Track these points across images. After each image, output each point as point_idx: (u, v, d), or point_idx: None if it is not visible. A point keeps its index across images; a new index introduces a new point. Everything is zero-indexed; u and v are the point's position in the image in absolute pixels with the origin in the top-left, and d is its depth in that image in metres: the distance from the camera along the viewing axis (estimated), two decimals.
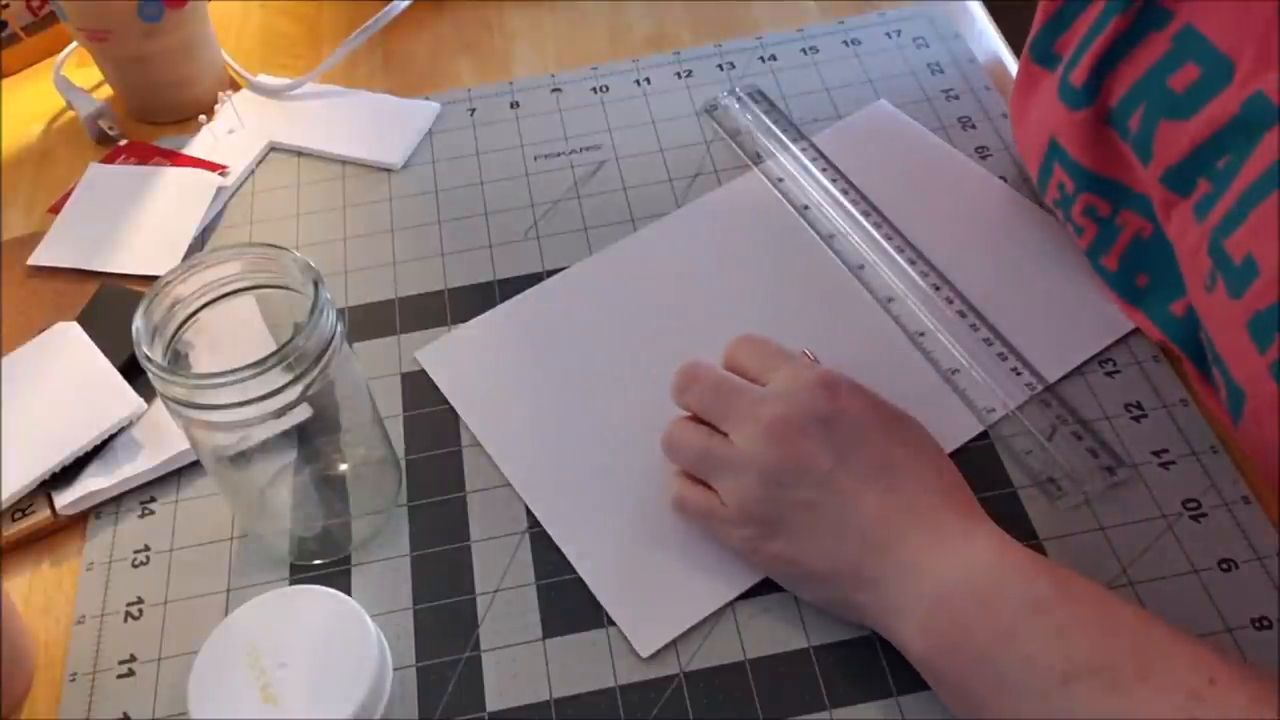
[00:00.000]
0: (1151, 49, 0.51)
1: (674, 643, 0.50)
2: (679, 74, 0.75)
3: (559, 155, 0.71)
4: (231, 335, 0.50)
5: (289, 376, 0.45)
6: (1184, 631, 0.41)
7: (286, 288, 0.48)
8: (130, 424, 0.58)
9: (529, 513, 0.54)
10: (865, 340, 0.59)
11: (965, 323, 0.59)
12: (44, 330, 0.63)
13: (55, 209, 0.71)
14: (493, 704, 0.49)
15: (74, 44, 0.79)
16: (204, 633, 0.47)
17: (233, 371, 0.44)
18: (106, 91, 0.78)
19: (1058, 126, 0.57)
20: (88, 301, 0.65)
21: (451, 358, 0.61)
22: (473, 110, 0.75)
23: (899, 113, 0.70)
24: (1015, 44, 0.72)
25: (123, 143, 0.75)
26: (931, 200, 0.65)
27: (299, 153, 0.73)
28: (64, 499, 0.56)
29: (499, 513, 0.55)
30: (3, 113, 0.79)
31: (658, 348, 0.59)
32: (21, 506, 0.56)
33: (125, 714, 0.50)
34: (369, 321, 0.63)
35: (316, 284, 0.46)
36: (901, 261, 0.62)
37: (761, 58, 0.75)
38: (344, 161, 0.72)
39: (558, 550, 0.53)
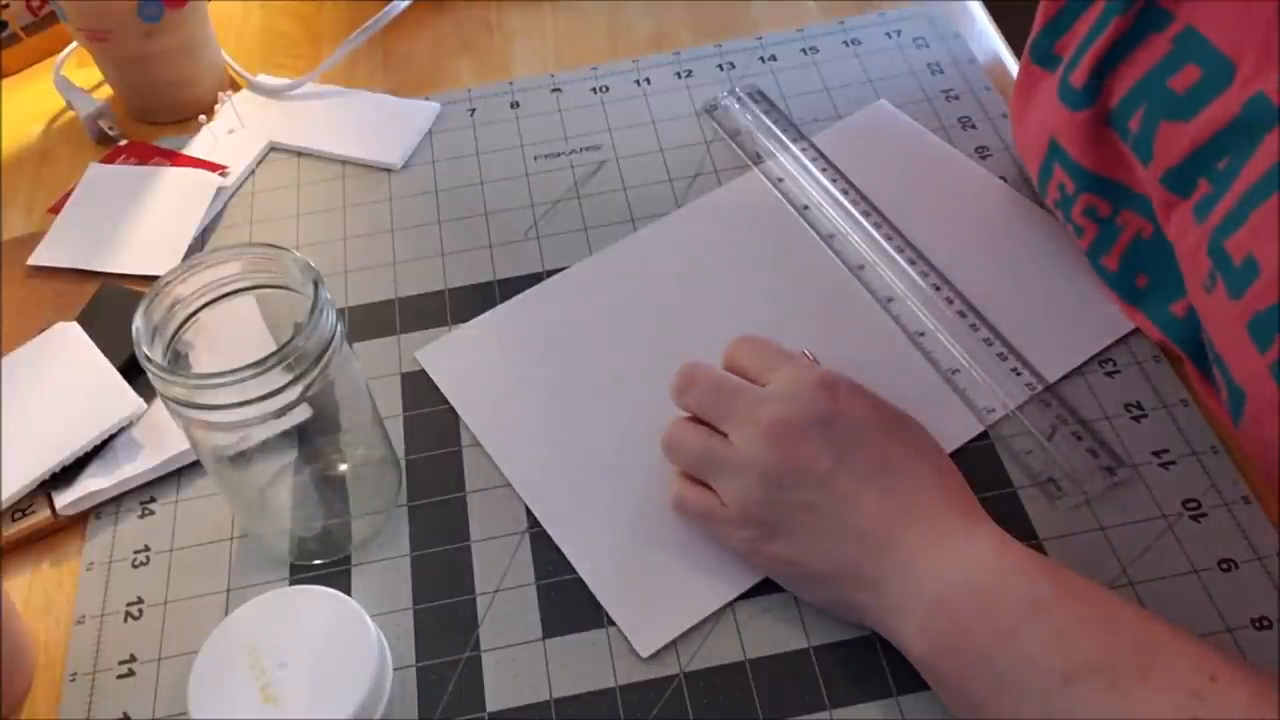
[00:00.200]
0: (1152, 50, 0.51)
1: (674, 643, 0.50)
2: (679, 74, 0.75)
3: (559, 155, 0.71)
4: (231, 335, 0.50)
5: (289, 376, 0.45)
6: (1184, 630, 0.41)
7: (286, 288, 0.48)
8: (130, 424, 0.58)
9: (529, 513, 0.54)
10: (865, 340, 0.59)
11: (965, 323, 0.59)
12: (44, 330, 0.63)
13: (55, 209, 0.71)
14: (493, 704, 0.49)
15: (74, 44, 0.79)
16: (204, 633, 0.47)
17: (233, 371, 0.44)
18: (106, 91, 0.78)
19: (1058, 127, 0.57)
20: (88, 301, 0.65)
21: (451, 358, 0.61)
22: (473, 110, 0.75)
23: (899, 113, 0.70)
24: (1015, 44, 0.72)
25: (123, 143, 0.75)
26: (931, 200, 0.65)
27: (299, 153, 0.73)
28: (64, 499, 0.56)
29: (499, 513, 0.55)
30: (3, 113, 0.79)
31: (658, 348, 0.60)
32: (21, 506, 0.56)
33: (125, 714, 0.50)
34: (369, 321, 0.63)
35: (316, 284, 0.46)
36: (901, 261, 0.62)
37: (761, 58, 0.75)
38: (344, 161, 0.72)
39: (558, 550, 0.53)
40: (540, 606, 0.51)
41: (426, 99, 0.75)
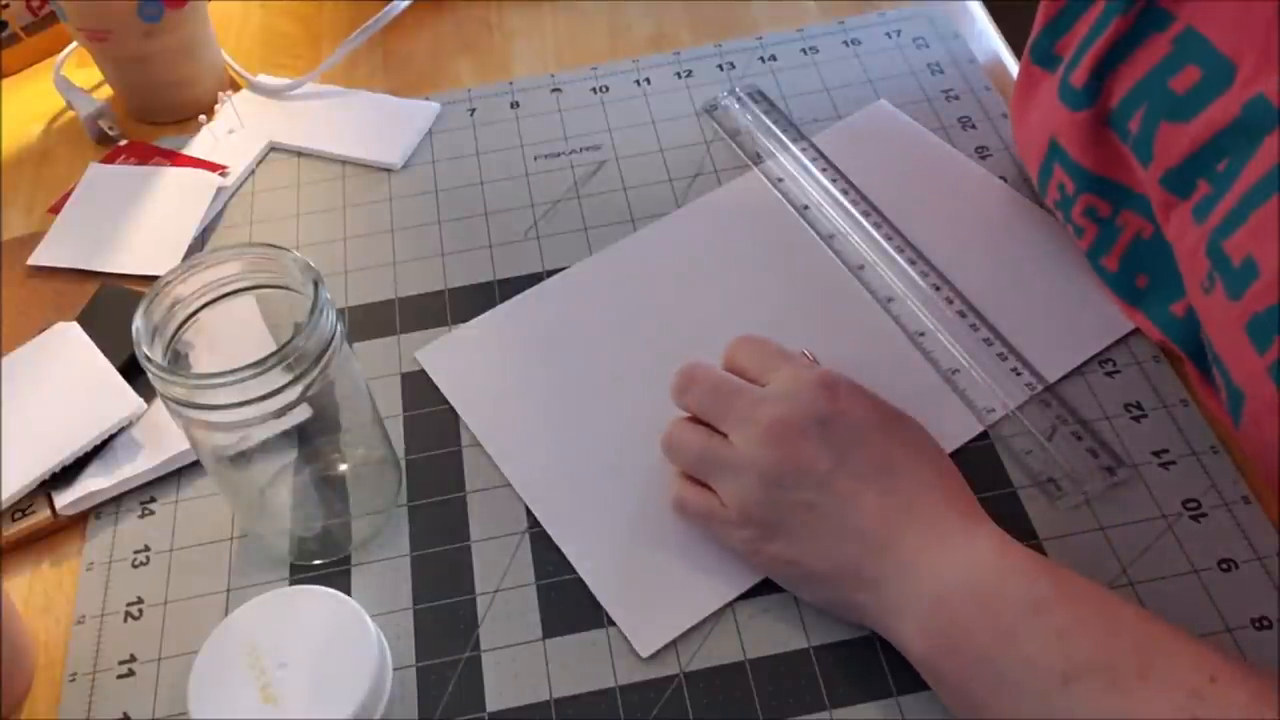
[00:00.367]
0: (1152, 51, 0.51)
1: (674, 643, 0.50)
2: (679, 74, 0.75)
3: (559, 155, 0.71)
4: (231, 335, 0.50)
5: (289, 376, 0.45)
6: (1184, 630, 0.41)
7: (286, 288, 0.48)
8: (130, 424, 0.58)
9: (529, 513, 0.54)
10: (865, 340, 0.59)
11: (965, 323, 0.59)
12: (44, 330, 0.63)
13: (55, 209, 0.71)
14: (493, 704, 0.49)
15: (74, 44, 0.79)
16: (204, 633, 0.47)
17: (233, 371, 0.44)
18: (106, 91, 0.78)
19: (1058, 127, 0.57)
20: (88, 301, 0.65)
21: (451, 358, 0.61)
22: (473, 110, 0.75)
23: (899, 113, 0.70)
24: (1015, 44, 0.72)
25: (123, 143, 0.75)
26: (931, 200, 0.65)
27: (299, 153, 0.73)
28: (64, 499, 0.56)
29: (499, 513, 0.55)
30: (3, 113, 0.79)
31: (658, 348, 0.60)
32: (21, 506, 0.56)
33: (125, 714, 0.50)
34: (369, 321, 0.63)
35: (316, 284, 0.46)
36: (901, 261, 0.62)
37: (761, 58, 0.75)
38: (344, 161, 0.72)
39: (558, 550, 0.53)
40: (540, 606, 0.51)
41: (426, 99, 0.75)
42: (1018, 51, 0.67)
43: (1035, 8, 0.59)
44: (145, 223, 0.69)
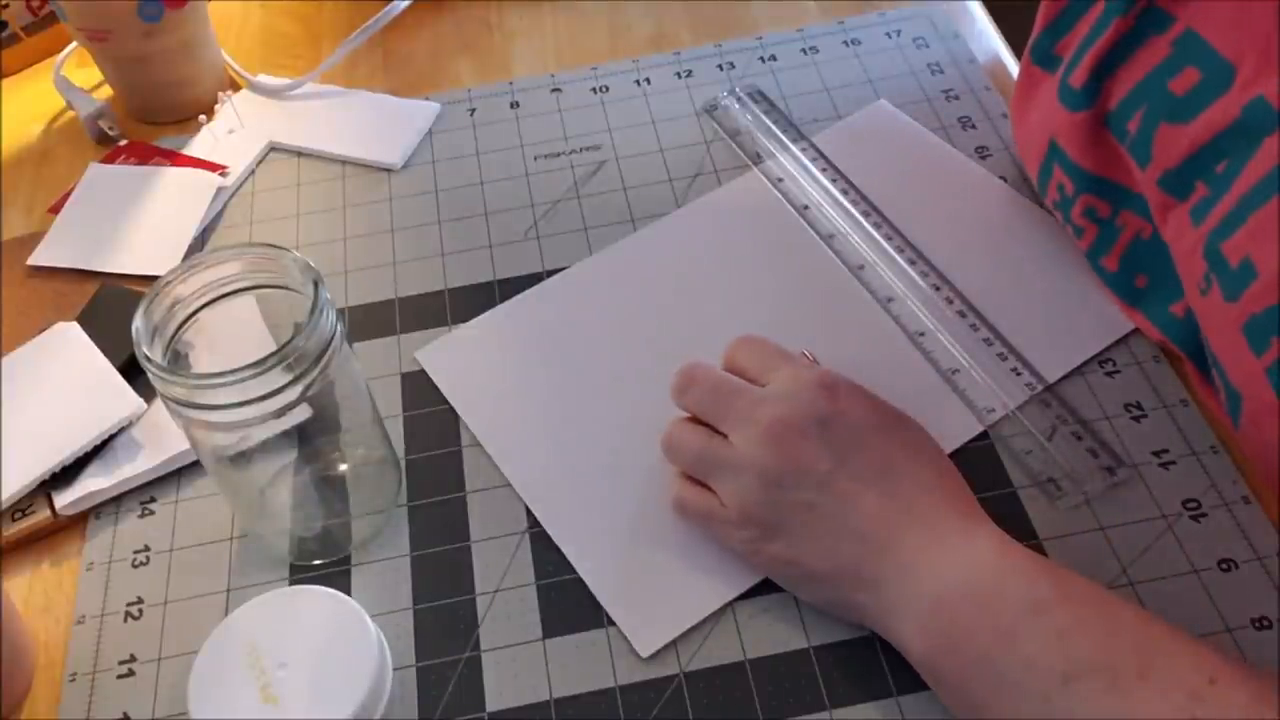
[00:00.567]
0: (1152, 52, 0.51)
1: (674, 643, 0.50)
2: (679, 74, 0.75)
3: (559, 155, 0.71)
4: (231, 335, 0.50)
5: (289, 376, 0.45)
6: (1184, 631, 0.41)
7: (286, 288, 0.48)
8: (130, 424, 0.58)
9: (529, 513, 0.54)
10: (865, 340, 0.59)
11: (965, 323, 0.59)
12: (44, 330, 0.63)
13: (55, 209, 0.71)
14: (493, 704, 0.49)
15: (74, 44, 0.79)
16: (204, 633, 0.47)
17: (233, 371, 0.44)
18: (106, 91, 0.78)
19: (1058, 128, 0.57)
20: (88, 301, 0.65)
21: (451, 358, 0.61)
22: (473, 110, 0.75)
23: (899, 113, 0.70)
24: (1015, 44, 0.72)
25: (123, 143, 0.75)
26: (931, 200, 0.65)
27: (299, 153, 0.73)
28: (64, 499, 0.56)
29: (499, 513, 0.55)
30: (3, 113, 0.79)
31: (658, 348, 0.60)
32: (21, 506, 0.56)
33: (125, 714, 0.50)
34: (369, 321, 0.63)
35: (316, 284, 0.46)
36: (901, 261, 0.62)
37: (761, 58, 0.75)
38: (344, 161, 0.72)
39: (558, 550, 0.53)
40: (540, 606, 0.51)
41: (426, 99, 0.75)
42: (1018, 51, 0.67)
43: (1035, 8, 0.59)
44: (145, 223, 0.69)
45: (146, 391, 0.59)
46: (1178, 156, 0.49)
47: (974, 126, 0.69)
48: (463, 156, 0.72)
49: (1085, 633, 0.41)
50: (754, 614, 0.50)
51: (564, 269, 0.64)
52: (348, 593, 0.51)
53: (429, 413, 0.59)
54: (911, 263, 0.61)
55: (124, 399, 0.59)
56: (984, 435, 0.55)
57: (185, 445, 0.57)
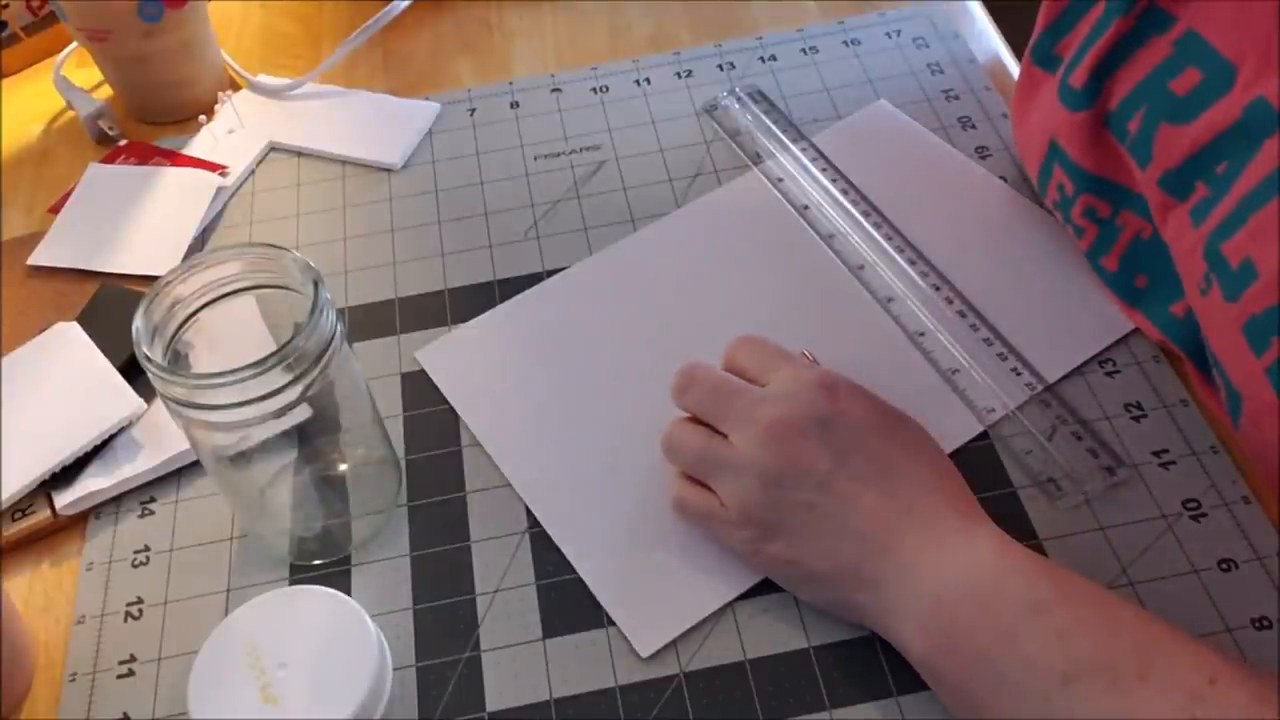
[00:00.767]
0: (1153, 52, 0.51)
1: (674, 643, 0.50)
2: (679, 74, 0.75)
3: (559, 155, 0.71)
4: (231, 335, 0.50)
5: (289, 376, 0.45)
6: (1184, 631, 0.41)
7: (286, 288, 0.48)
8: (130, 424, 0.58)
9: (529, 513, 0.54)
10: (865, 340, 0.59)
11: (965, 323, 0.59)
12: (44, 330, 0.63)
13: (55, 209, 0.71)
14: (493, 704, 0.49)
15: (74, 44, 0.79)
16: (204, 633, 0.47)
17: (233, 371, 0.44)
18: (106, 91, 0.78)
19: (1058, 128, 0.57)
20: (88, 301, 0.65)
21: (451, 358, 0.61)
22: (473, 110, 0.75)
23: (899, 113, 0.70)
24: (1015, 44, 0.72)
25: (123, 143, 0.75)
26: (931, 200, 0.65)
27: (299, 153, 0.73)
28: (64, 499, 0.56)
29: (499, 513, 0.55)
30: (3, 113, 0.79)
31: (658, 348, 0.60)
32: (21, 506, 0.56)
33: (125, 714, 0.50)
34: (369, 321, 0.63)
35: (316, 284, 0.46)
36: (901, 261, 0.62)
37: (761, 58, 0.75)
38: (344, 161, 0.72)
39: (558, 550, 0.53)
40: (540, 606, 0.51)
41: (426, 99, 0.75)
42: (1018, 51, 0.67)
43: (1036, 8, 0.59)
44: (145, 223, 0.69)
45: (146, 391, 0.59)
46: (1178, 157, 0.49)
47: (974, 126, 0.69)
48: (463, 156, 0.72)
49: (1085, 633, 0.41)
50: (754, 614, 0.50)
51: (564, 269, 0.64)
52: (348, 593, 0.51)
53: (429, 413, 0.59)
54: (911, 263, 0.61)
55: (124, 399, 0.59)
56: (984, 435, 0.55)
57: (185, 445, 0.57)
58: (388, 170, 0.71)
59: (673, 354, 0.54)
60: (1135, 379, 0.56)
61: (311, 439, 0.53)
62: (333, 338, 0.46)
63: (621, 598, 0.51)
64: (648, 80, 0.75)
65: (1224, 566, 0.50)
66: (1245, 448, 0.49)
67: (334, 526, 0.55)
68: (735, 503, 0.49)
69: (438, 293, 0.64)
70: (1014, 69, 0.73)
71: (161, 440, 0.58)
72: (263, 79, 0.77)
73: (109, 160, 0.73)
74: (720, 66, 0.75)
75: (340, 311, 0.56)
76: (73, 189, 0.71)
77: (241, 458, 0.50)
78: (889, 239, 0.63)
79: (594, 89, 0.75)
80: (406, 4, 0.78)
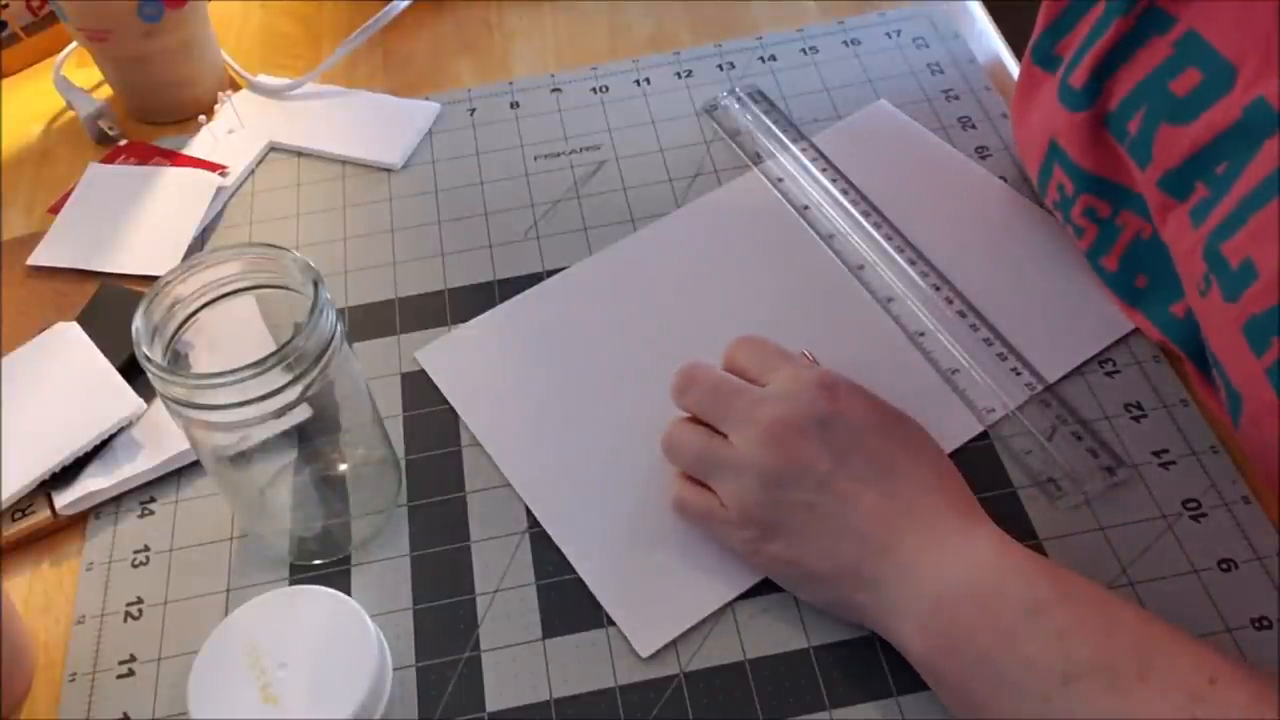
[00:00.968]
0: (1153, 53, 0.51)
1: (674, 643, 0.50)
2: (679, 74, 0.75)
3: (559, 155, 0.71)
4: (231, 335, 0.50)
5: (289, 376, 0.45)
6: (1184, 631, 0.41)
7: (286, 288, 0.48)
8: (130, 424, 0.58)
9: (529, 513, 0.54)
10: (865, 340, 0.59)
11: (965, 323, 0.59)
12: (44, 330, 0.63)
13: (55, 209, 0.71)
14: (493, 704, 0.49)
15: (74, 44, 0.79)
16: (204, 633, 0.47)
17: (233, 371, 0.44)
18: (106, 91, 0.78)
19: (1058, 128, 0.57)
20: (88, 301, 0.65)
21: (451, 358, 0.61)
22: (473, 110, 0.75)
23: (899, 113, 0.70)
24: (1015, 45, 0.72)
25: (123, 143, 0.75)
26: (931, 200, 0.65)
27: (299, 153, 0.73)
28: (64, 499, 0.56)
29: (499, 513, 0.55)
30: (3, 113, 0.79)
31: (658, 348, 0.60)
32: (21, 506, 0.56)
33: (125, 714, 0.50)
34: (369, 321, 0.63)
35: (316, 284, 0.46)
36: (901, 261, 0.62)
37: (761, 58, 0.75)
38: (344, 161, 0.72)
39: (558, 550, 0.53)
40: (540, 606, 0.51)
41: (426, 99, 0.75)
42: (1018, 52, 0.67)
43: (1036, 8, 0.59)
44: (145, 223, 0.69)
45: (146, 391, 0.59)
46: (1178, 157, 0.49)
47: (974, 126, 0.69)
48: (463, 156, 0.72)
49: (1085, 633, 0.41)
50: (754, 614, 0.50)
51: (564, 269, 0.64)
52: (348, 593, 0.51)
53: (429, 413, 0.59)
54: (911, 263, 0.61)
55: (124, 399, 0.59)
56: (984, 435, 0.55)
57: (185, 445, 0.57)
58: (388, 170, 0.71)
59: (673, 354, 0.54)
60: (1135, 379, 0.56)
61: (311, 439, 0.53)
62: (333, 338, 0.46)
63: (621, 598, 0.51)
64: (648, 80, 0.75)
65: (1224, 566, 0.50)
66: (1245, 448, 0.49)
67: (334, 526, 0.55)
68: (735, 503, 0.49)
69: (438, 293, 0.64)
70: (1014, 69, 0.73)
71: (161, 440, 0.58)
72: (263, 79, 0.77)
73: (109, 160, 0.73)
74: (720, 66, 0.75)
75: (340, 311, 0.56)
76: (73, 189, 0.71)
77: (241, 458, 0.50)
78: (889, 239, 0.63)
79: (594, 89, 0.75)
80: (406, 4, 0.78)
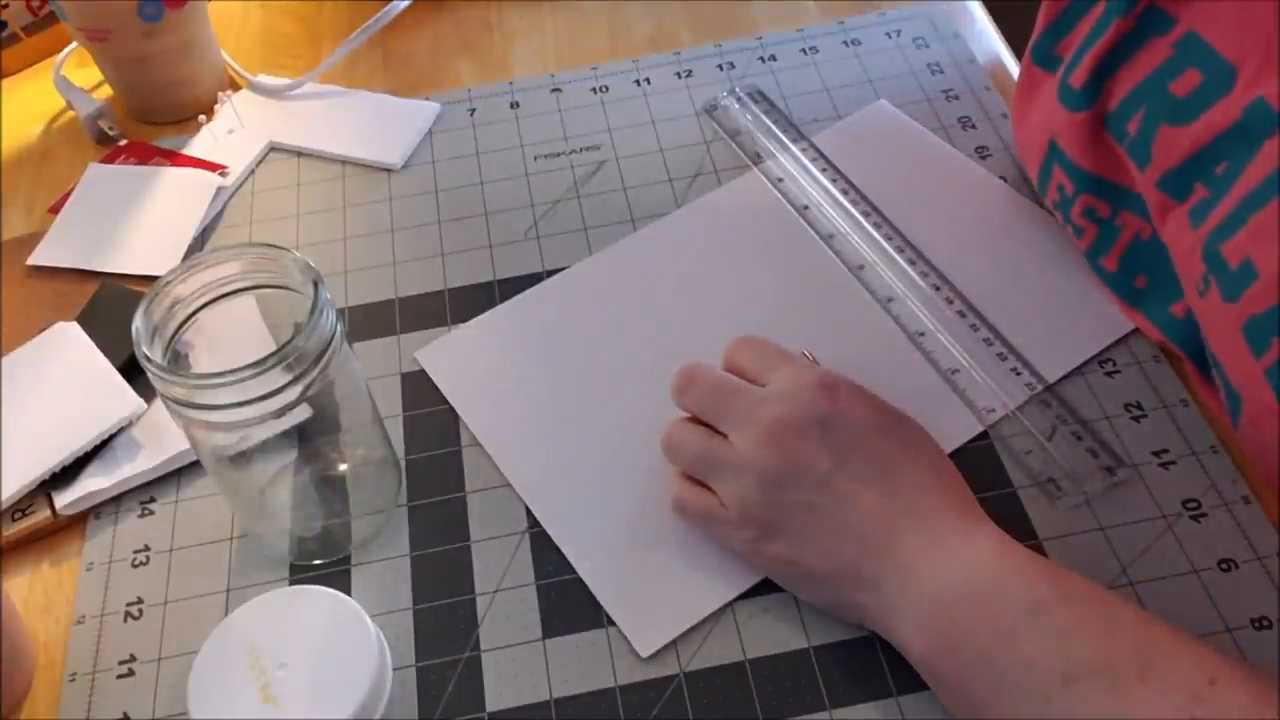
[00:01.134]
0: (1153, 53, 0.51)
1: (674, 643, 0.50)
2: (679, 74, 0.75)
3: (559, 155, 0.71)
4: (231, 335, 0.50)
5: (289, 376, 0.45)
6: (1184, 631, 0.41)
7: (286, 288, 0.48)
8: (130, 424, 0.58)
9: (529, 513, 0.54)
10: (865, 340, 0.59)
11: (965, 323, 0.59)
12: (44, 330, 0.63)
13: (55, 209, 0.71)
14: (493, 704, 0.49)
15: (74, 44, 0.79)
16: (204, 633, 0.47)
17: (233, 371, 0.44)
18: (106, 91, 0.78)
19: (1058, 128, 0.57)
20: (88, 301, 0.65)
21: (451, 358, 0.61)
22: (473, 110, 0.75)
23: (899, 113, 0.70)
24: (1015, 45, 0.72)
25: (123, 143, 0.75)
26: (931, 200, 0.65)
27: (299, 153, 0.73)
28: (64, 499, 0.56)
29: (499, 513, 0.55)
30: (3, 113, 0.79)
31: (658, 348, 0.60)
32: (21, 506, 0.56)
33: (125, 714, 0.50)
34: (369, 321, 0.63)
35: (316, 284, 0.46)
36: (901, 261, 0.62)
37: (761, 58, 0.75)
38: (344, 161, 0.72)
39: (558, 550, 0.53)
40: (540, 606, 0.51)
41: (426, 99, 0.75)
42: (1018, 52, 0.67)
43: (1036, 8, 0.59)
44: (145, 223, 0.69)
45: (146, 391, 0.59)
46: (1177, 158, 0.49)
47: (974, 126, 0.69)
48: (463, 156, 0.72)
49: (1085, 633, 0.41)
50: (754, 614, 0.50)
51: (564, 269, 0.64)
52: (348, 593, 0.51)
53: (429, 413, 0.59)
54: (911, 263, 0.61)
55: (124, 399, 0.59)
56: (984, 435, 0.55)
57: (185, 445, 0.57)
58: (388, 170, 0.71)
59: (673, 354, 0.54)
60: (1135, 379, 0.57)
61: (311, 439, 0.53)
62: (333, 338, 0.46)
63: (621, 598, 0.51)
64: (648, 80, 0.75)
65: (1224, 566, 0.50)
66: (1245, 448, 0.49)
67: (334, 526, 0.55)
68: (735, 503, 0.49)
69: (438, 293, 0.64)
70: (1014, 69, 0.73)
71: (161, 440, 0.58)
72: (263, 79, 0.77)
73: (109, 160, 0.73)
74: (720, 66, 0.75)
75: (340, 311, 0.56)
76: (73, 189, 0.71)
77: (241, 458, 0.50)
78: (889, 239, 0.63)
79: (594, 89, 0.75)
80: (406, 4, 0.78)
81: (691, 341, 0.58)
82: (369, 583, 0.53)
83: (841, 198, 0.65)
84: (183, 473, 0.58)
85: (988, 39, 0.75)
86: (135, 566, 0.55)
